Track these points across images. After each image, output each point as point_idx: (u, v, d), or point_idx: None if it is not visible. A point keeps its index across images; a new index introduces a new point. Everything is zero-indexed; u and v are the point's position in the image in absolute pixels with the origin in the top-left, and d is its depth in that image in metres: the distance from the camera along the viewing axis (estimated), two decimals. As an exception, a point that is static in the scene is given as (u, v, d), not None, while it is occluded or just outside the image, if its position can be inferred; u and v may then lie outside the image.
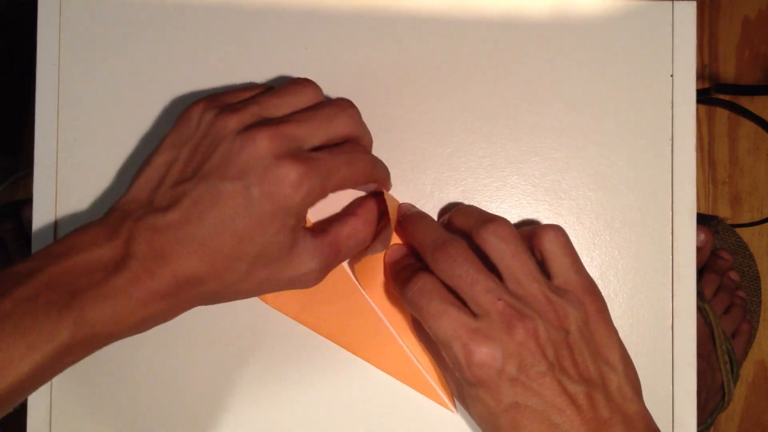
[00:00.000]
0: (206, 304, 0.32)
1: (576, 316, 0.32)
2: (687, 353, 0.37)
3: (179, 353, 0.38)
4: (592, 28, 0.38)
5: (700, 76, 0.81)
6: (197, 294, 0.31)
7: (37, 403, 0.38)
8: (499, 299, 0.31)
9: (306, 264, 0.32)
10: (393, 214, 0.35)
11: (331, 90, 0.38)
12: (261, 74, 0.38)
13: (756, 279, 0.79)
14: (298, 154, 0.30)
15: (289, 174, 0.30)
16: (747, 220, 0.80)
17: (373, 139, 0.38)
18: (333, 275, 0.35)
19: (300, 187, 0.30)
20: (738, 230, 0.79)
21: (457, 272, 0.32)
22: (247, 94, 0.34)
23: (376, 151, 0.38)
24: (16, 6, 0.75)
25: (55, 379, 0.38)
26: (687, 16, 0.38)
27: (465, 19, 0.38)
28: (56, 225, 0.38)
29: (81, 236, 0.30)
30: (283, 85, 0.34)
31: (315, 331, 0.37)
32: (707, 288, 0.75)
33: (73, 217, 0.38)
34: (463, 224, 0.35)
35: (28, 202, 0.75)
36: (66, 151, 0.38)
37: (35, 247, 0.38)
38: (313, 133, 0.32)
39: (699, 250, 0.73)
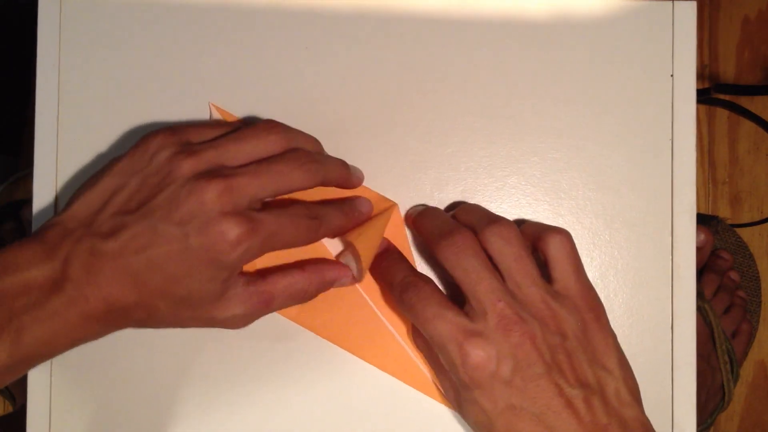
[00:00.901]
0: (136, 327, 0.33)
1: (573, 321, 0.32)
2: (687, 353, 0.37)
3: (179, 353, 0.38)
4: (593, 28, 0.38)
5: (700, 76, 0.81)
6: (127, 319, 0.32)
7: (37, 403, 0.38)
8: (500, 300, 0.31)
9: (232, 309, 0.32)
10: (373, 246, 0.36)
11: (331, 90, 0.38)
12: (261, 74, 0.38)
13: (756, 279, 0.79)
14: (242, 213, 0.30)
15: (230, 232, 0.30)
16: (747, 220, 0.80)
17: (374, 140, 0.38)
18: None
19: (238, 246, 0.30)
20: (738, 230, 0.79)
21: (464, 264, 0.32)
22: (210, 134, 0.34)
23: (377, 152, 0.38)
24: (16, 6, 0.75)
25: (55, 380, 0.38)
26: (687, 16, 0.38)
27: (465, 20, 0.38)
28: (56, 225, 0.38)
29: (19, 253, 0.30)
30: (247, 128, 0.33)
31: (314, 331, 0.37)
32: (707, 288, 0.75)
33: (73, 217, 0.38)
34: (467, 222, 0.35)
35: (28, 202, 0.75)
36: (66, 151, 0.38)
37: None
38: (264, 188, 0.32)
39: (699, 250, 0.73)
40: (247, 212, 0.31)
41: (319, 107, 0.38)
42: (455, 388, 0.34)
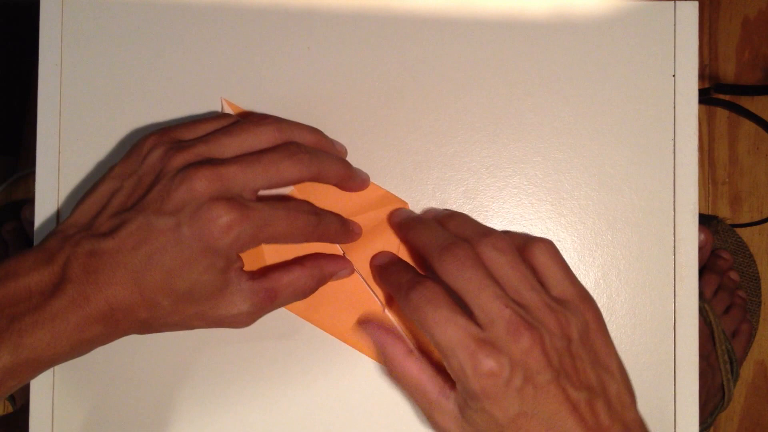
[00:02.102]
0: (140, 333, 0.33)
1: (577, 324, 0.32)
2: (689, 353, 0.37)
3: (180, 353, 0.38)
4: (595, 28, 0.38)
5: (701, 76, 0.81)
6: (130, 321, 0.31)
7: (39, 403, 0.38)
8: (507, 307, 0.31)
9: (237, 305, 0.32)
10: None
11: (333, 90, 0.38)
12: (264, 74, 0.38)
13: (756, 279, 0.79)
14: (233, 199, 0.31)
15: (221, 217, 0.30)
16: (747, 220, 0.80)
17: (376, 140, 0.38)
18: None
19: (229, 231, 0.30)
20: (738, 230, 0.79)
21: (466, 275, 0.32)
22: (202, 130, 0.34)
23: (379, 152, 0.38)
24: (17, 6, 0.75)
25: (57, 380, 0.38)
26: (689, 17, 0.38)
27: (468, 20, 0.38)
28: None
29: (20, 261, 0.31)
30: (239, 123, 0.34)
31: (323, 329, 0.37)
32: (707, 288, 0.75)
33: (75, 217, 0.38)
34: (460, 234, 0.34)
35: (28, 202, 0.75)
36: (68, 151, 0.38)
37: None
38: (255, 177, 0.32)
39: (699, 250, 0.73)
40: (239, 197, 0.31)
41: (321, 107, 0.38)
42: (456, 397, 0.33)
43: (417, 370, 0.34)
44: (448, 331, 0.31)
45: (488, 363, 0.30)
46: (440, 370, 0.34)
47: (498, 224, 0.38)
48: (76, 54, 0.38)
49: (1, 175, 0.77)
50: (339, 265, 0.36)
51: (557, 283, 0.33)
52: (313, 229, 0.33)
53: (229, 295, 0.32)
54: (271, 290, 0.33)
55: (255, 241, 0.31)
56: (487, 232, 0.34)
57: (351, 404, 0.38)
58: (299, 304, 0.37)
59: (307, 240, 0.34)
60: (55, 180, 0.38)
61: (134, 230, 0.31)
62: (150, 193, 0.32)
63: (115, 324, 0.31)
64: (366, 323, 0.37)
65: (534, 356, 0.31)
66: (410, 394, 0.34)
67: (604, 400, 0.32)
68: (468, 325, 0.31)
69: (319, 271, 0.35)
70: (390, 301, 0.37)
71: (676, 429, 0.37)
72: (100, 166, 0.38)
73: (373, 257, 0.37)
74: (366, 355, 0.38)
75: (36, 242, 0.38)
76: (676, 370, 0.38)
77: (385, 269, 0.36)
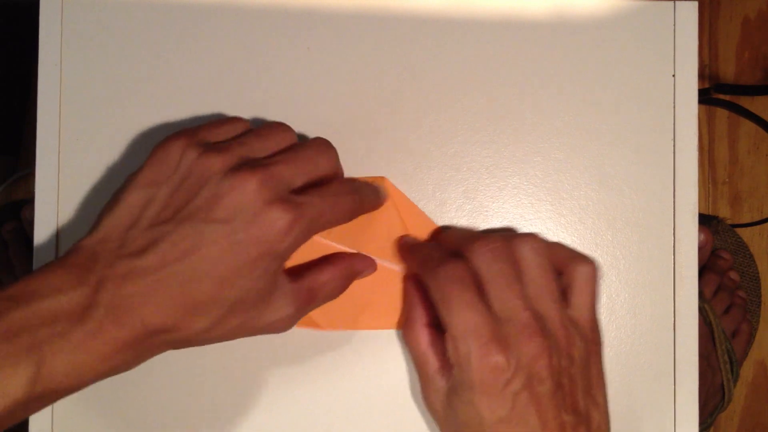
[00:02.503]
0: (173, 349, 0.31)
1: (581, 349, 0.32)
2: (689, 353, 0.37)
3: (181, 353, 0.37)
4: (594, 28, 0.38)
5: (700, 76, 0.81)
6: (164, 341, 0.30)
7: (38, 403, 0.38)
8: (527, 309, 0.31)
9: (282, 309, 0.31)
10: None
11: (333, 90, 0.38)
12: (263, 74, 0.38)
13: (756, 279, 0.79)
14: (287, 199, 0.30)
15: (280, 220, 0.29)
16: (747, 220, 0.80)
17: (376, 140, 0.38)
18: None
19: (289, 233, 0.29)
20: (738, 230, 0.79)
21: (497, 266, 0.32)
22: (227, 131, 0.33)
23: (379, 152, 0.38)
24: (17, 6, 0.75)
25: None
26: (689, 17, 0.38)
27: (468, 20, 0.38)
28: (58, 225, 0.38)
29: (45, 279, 0.28)
30: (261, 126, 0.33)
31: (334, 328, 0.37)
32: (707, 288, 0.75)
33: (75, 217, 0.38)
34: (493, 235, 0.34)
35: (28, 202, 0.75)
36: (68, 151, 0.38)
37: (37, 249, 0.38)
38: (298, 173, 0.31)
39: (699, 250, 0.73)
40: (291, 198, 0.30)
41: (321, 107, 0.38)
42: (449, 381, 0.33)
43: (427, 342, 0.34)
44: (467, 315, 0.30)
45: (497, 357, 0.30)
46: (444, 350, 0.34)
47: (498, 224, 0.38)
48: (76, 54, 0.38)
49: (1, 175, 0.77)
50: (366, 263, 0.36)
51: (579, 306, 0.33)
52: (357, 207, 0.33)
53: (275, 299, 0.31)
54: (312, 290, 0.32)
55: (309, 236, 0.31)
56: (530, 233, 0.34)
57: (350, 405, 0.38)
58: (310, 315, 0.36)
59: (351, 220, 0.33)
60: (55, 180, 0.38)
61: (179, 241, 0.28)
62: (195, 200, 0.29)
63: (149, 347, 0.29)
64: (408, 283, 0.36)
65: (540, 365, 0.30)
66: (414, 361, 0.35)
67: (587, 429, 0.32)
68: (488, 314, 0.31)
69: (351, 270, 0.35)
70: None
71: (676, 429, 0.37)
72: (101, 166, 0.38)
73: (401, 237, 0.37)
74: (380, 328, 0.37)
75: (37, 243, 0.38)
76: (676, 370, 0.37)
77: (416, 247, 0.36)
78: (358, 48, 0.38)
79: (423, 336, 0.34)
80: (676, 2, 0.38)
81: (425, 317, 0.35)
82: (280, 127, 0.33)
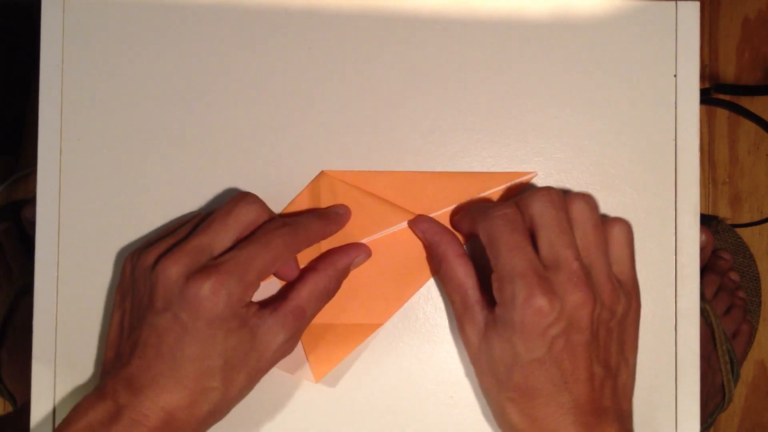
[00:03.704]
0: (213, 423, 0.33)
1: (624, 305, 0.33)
2: (690, 354, 0.37)
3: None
4: (596, 28, 0.38)
5: (701, 76, 0.81)
6: (197, 420, 0.32)
7: (40, 403, 0.38)
8: (576, 259, 0.32)
9: (274, 341, 0.33)
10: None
11: (334, 90, 0.38)
12: (264, 74, 0.38)
13: (756, 279, 0.79)
14: (206, 266, 0.32)
15: (202, 288, 0.31)
16: (747, 220, 0.80)
17: (377, 140, 0.38)
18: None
19: (218, 294, 0.31)
20: (738, 230, 0.79)
21: (551, 213, 0.32)
22: (168, 231, 0.35)
23: (381, 152, 0.38)
24: (17, 6, 0.75)
25: (58, 380, 0.37)
26: (690, 17, 0.38)
27: (469, 20, 0.38)
28: (59, 226, 0.38)
29: (79, 406, 0.32)
30: (191, 215, 0.36)
31: (358, 321, 0.37)
32: (708, 288, 0.75)
33: (76, 217, 0.38)
34: (550, 192, 0.35)
35: (27, 202, 0.75)
36: (69, 151, 0.38)
37: (38, 249, 0.38)
38: (216, 235, 0.33)
39: (699, 250, 0.73)
40: (210, 263, 0.32)
41: (322, 107, 0.38)
42: (493, 316, 0.33)
43: (464, 272, 0.35)
44: (517, 257, 0.31)
45: (541, 300, 0.31)
46: (483, 284, 0.34)
47: (499, 224, 0.38)
48: (77, 54, 0.38)
49: (1, 175, 0.76)
50: (352, 255, 0.36)
51: (621, 261, 0.34)
52: (294, 239, 0.34)
53: (262, 337, 0.33)
54: (297, 308, 0.34)
55: (247, 287, 0.32)
56: (577, 193, 0.34)
57: (351, 404, 0.38)
58: (324, 314, 0.36)
59: (299, 251, 0.34)
60: (56, 180, 0.38)
61: (147, 339, 0.32)
62: (142, 300, 0.33)
63: (181, 428, 0.32)
64: (422, 222, 0.37)
65: (582, 314, 0.31)
66: (451, 293, 0.35)
67: (613, 384, 0.33)
68: (536, 259, 0.32)
69: (334, 269, 0.35)
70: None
71: (678, 429, 0.37)
72: (102, 165, 0.38)
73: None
74: (416, 288, 0.38)
75: (38, 244, 0.38)
76: (678, 371, 0.37)
77: (468, 207, 0.37)
78: (359, 48, 0.38)
79: (460, 267, 0.35)
80: (678, 2, 0.38)
81: (457, 247, 0.35)
82: (199, 214, 0.35)
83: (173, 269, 0.31)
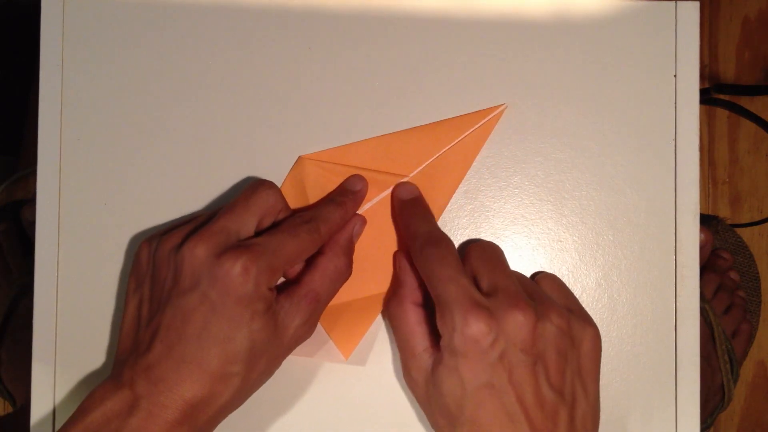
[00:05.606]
0: (229, 412, 0.33)
1: (578, 331, 0.33)
2: (690, 353, 0.37)
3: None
4: (596, 28, 0.38)
5: (700, 76, 0.81)
6: (216, 409, 0.32)
7: (40, 403, 0.38)
8: (515, 284, 0.32)
9: (292, 326, 0.33)
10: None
11: (334, 90, 0.38)
12: (264, 74, 0.38)
13: (756, 279, 0.79)
14: (236, 246, 0.32)
15: (234, 266, 0.31)
16: (747, 220, 0.80)
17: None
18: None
19: (248, 273, 0.31)
20: (738, 230, 0.79)
21: (491, 253, 0.34)
22: (184, 221, 0.35)
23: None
24: (17, 6, 0.75)
25: (58, 380, 0.37)
26: (690, 17, 0.38)
27: (468, 20, 0.38)
28: (59, 226, 0.38)
29: (92, 396, 0.31)
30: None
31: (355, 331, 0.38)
32: (707, 288, 0.75)
33: (76, 217, 0.38)
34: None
35: (27, 202, 0.75)
36: (69, 151, 0.38)
37: (38, 249, 0.38)
38: (240, 219, 0.33)
39: (699, 250, 0.73)
40: (240, 243, 0.32)
41: (323, 107, 0.38)
42: (435, 355, 0.33)
43: (415, 321, 0.35)
44: (450, 288, 0.32)
45: (477, 325, 0.30)
46: (433, 330, 0.34)
47: (499, 224, 0.38)
48: (78, 54, 0.38)
49: (1, 175, 0.76)
50: (349, 227, 0.36)
51: (563, 299, 0.35)
52: (318, 235, 0.34)
53: (282, 322, 0.33)
54: (311, 292, 0.34)
55: (275, 271, 0.32)
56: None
57: (351, 405, 0.38)
58: (336, 294, 0.36)
59: (322, 243, 0.35)
60: (56, 180, 0.38)
61: (170, 323, 0.31)
62: (164, 283, 0.32)
63: (200, 421, 0.31)
64: (396, 258, 0.37)
65: (523, 332, 0.31)
66: (398, 339, 0.35)
67: (569, 413, 0.32)
68: (471, 287, 0.32)
69: (338, 246, 0.35)
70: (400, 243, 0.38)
71: (677, 429, 0.37)
72: (102, 165, 0.38)
73: (397, 188, 0.38)
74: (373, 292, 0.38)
75: (38, 244, 0.38)
76: (677, 371, 0.37)
77: (406, 209, 0.37)
78: (359, 48, 0.38)
79: (411, 315, 0.35)
80: (678, 2, 0.38)
81: (417, 295, 0.36)
82: (205, 213, 0.35)
83: (201, 248, 0.31)
